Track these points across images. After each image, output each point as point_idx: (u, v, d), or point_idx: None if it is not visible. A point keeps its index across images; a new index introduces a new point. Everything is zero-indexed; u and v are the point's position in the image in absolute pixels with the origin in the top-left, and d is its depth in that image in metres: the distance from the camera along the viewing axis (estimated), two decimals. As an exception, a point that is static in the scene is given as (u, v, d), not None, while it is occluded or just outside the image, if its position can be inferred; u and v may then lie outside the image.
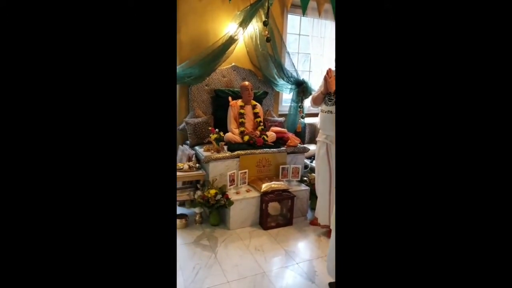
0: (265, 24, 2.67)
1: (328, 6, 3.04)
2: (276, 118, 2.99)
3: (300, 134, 3.09)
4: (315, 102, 2.12)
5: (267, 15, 2.65)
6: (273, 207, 2.28)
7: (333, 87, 1.94)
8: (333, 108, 1.98)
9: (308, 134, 3.18)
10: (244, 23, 2.58)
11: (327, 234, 2.16)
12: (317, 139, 2.20)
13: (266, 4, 2.60)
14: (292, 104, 3.14)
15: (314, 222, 2.33)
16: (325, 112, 2.05)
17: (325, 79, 1.98)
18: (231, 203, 2.14)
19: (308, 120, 3.21)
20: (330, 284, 1.67)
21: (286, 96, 3.23)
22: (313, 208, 2.43)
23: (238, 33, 2.59)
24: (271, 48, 2.80)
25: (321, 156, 2.13)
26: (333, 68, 2.03)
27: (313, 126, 3.18)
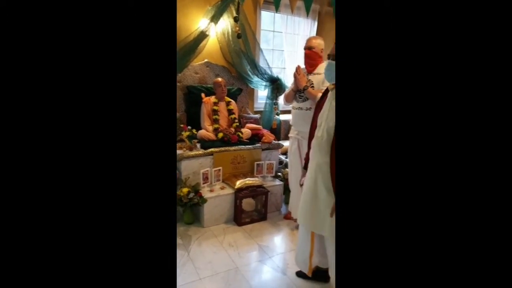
0: (235, 20, 2.66)
1: (300, 4, 3.08)
2: (252, 115, 3.00)
3: (275, 131, 3.12)
4: (287, 99, 2.15)
5: (237, 11, 2.64)
6: (248, 203, 2.30)
7: (302, 84, 1.97)
8: (303, 105, 2.02)
9: (284, 131, 3.23)
10: (215, 18, 2.56)
11: (300, 227, 2.22)
12: (289, 135, 2.24)
13: (237, 0, 2.60)
14: (267, 101, 3.16)
15: (288, 216, 2.38)
16: (296, 108, 2.08)
17: (295, 76, 2.01)
18: (204, 200, 2.13)
19: (283, 117, 3.25)
20: (297, 273, 1.72)
21: (262, 93, 3.25)
22: (287, 203, 2.47)
23: (210, 28, 2.57)
24: (243, 44, 2.80)
25: (293, 151, 2.17)
26: (302, 66, 2.07)
27: (288, 123, 3.23)
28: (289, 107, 2.22)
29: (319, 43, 2.00)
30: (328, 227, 1.34)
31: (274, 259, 1.88)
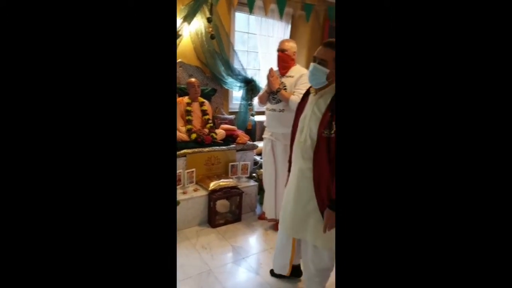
0: (209, 20, 2.65)
1: (274, 6, 3.12)
2: (226, 116, 2.99)
3: (250, 132, 3.14)
4: (261, 101, 2.18)
5: (210, 12, 2.63)
6: (222, 205, 2.29)
7: (275, 86, 2.00)
8: (276, 107, 2.05)
9: (259, 132, 3.25)
10: (188, 18, 2.53)
11: (274, 227, 2.24)
12: (263, 136, 2.26)
13: (209, 0, 2.58)
14: (242, 102, 3.17)
15: (262, 217, 2.40)
16: (270, 110, 2.11)
17: (268, 78, 2.04)
18: (177, 203, 2.10)
19: (258, 118, 3.27)
20: (271, 271, 1.74)
21: (237, 93, 3.26)
22: (261, 203, 2.49)
23: (183, 28, 2.53)
24: (217, 45, 2.79)
25: (267, 152, 2.19)
26: (275, 68, 2.10)
27: (263, 124, 3.25)
28: (263, 108, 2.24)
29: (291, 46, 2.04)
30: (309, 232, 1.32)
31: (247, 259, 1.89)
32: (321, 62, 1.20)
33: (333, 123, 1.16)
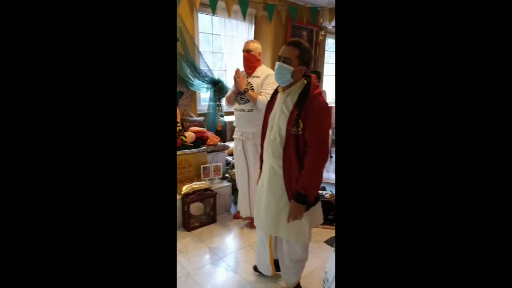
0: (173, 22, 2.60)
1: (237, 7, 3.15)
2: (195, 118, 2.97)
3: (221, 133, 3.14)
4: (229, 101, 2.20)
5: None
6: (196, 207, 2.28)
7: (242, 87, 2.03)
8: (245, 107, 2.08)
9: (229, 132, 3.26)
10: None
11: (250, 225, 2.28)
12: (233, 136, 2.29)
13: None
14: (211, 103, 3.16)
15: (237, 216, 2.42)
16: (238, 110, 2.14)
17: (235, 79, 2.06)
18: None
19: (228, 118, 3.29)
20: (254, 267, 1.77)
21: (204, 95, 3.24)
22: (236, 203, 2.52)
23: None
24: (181, 47, 2.76)
25: (238, 152, 2.22)
26: (242, 68, 2.13)
27: (233, 124, 3.27)
28: (232, 108, 2.26)
29: (256, 46, 2.09)
30: (282, 229, 1.37)
31: (225, 259, 1.91)
32: (286, 60, 1.23)
33: (300, 120, 1.20)
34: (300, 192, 1.24)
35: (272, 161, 1.32)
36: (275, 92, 1.41)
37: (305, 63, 1.25)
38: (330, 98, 4.86)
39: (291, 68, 1.23)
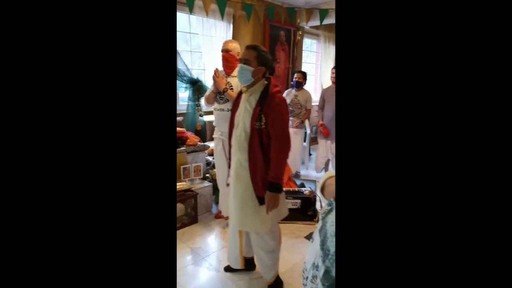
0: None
1: (214, 7, 3.14)
2: (174, 118, 2.93)
3: (201, 133, 3.12)
4: (208, 101, 2.19)
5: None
6: (177, 208, 2.26)
7: (221, 86, 2.04)
8: (224, 106, 2.09)
9: (209, 132, 3.25)
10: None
11: (231, 224, 2.30)
12: (213, 136, 2.29)
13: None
14: (189, 103, 3.13)
15: (218, 215, 2.43)
16: (218, 110, 2.14)
17: (214, 79, 2.06)
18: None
19: (208, 118, 3.27)
20: (225, 268, 1.79)
21: (183, 95, 3.20)
22: (217, 202, 2.52)
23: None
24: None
25: (218, 152, 2.22)
26: (220, 68, 2.14)
27: (213, 124, 3.26)
28: (212, 108, 2.26)
29: (235, 46, 2.10)
30: (249, 223, 1.43)
31: (207, 259, 1.91)
32: (246, 62, 1.39)
33: (262, 115, 1.34)
34: (272, 182, 1.36)
35: (239, 155, 1.42)
36: (240, 93, 1.54)
37: (263, 64, 1.40)
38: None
39: (251, 68, 1.37)
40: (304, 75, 3.32)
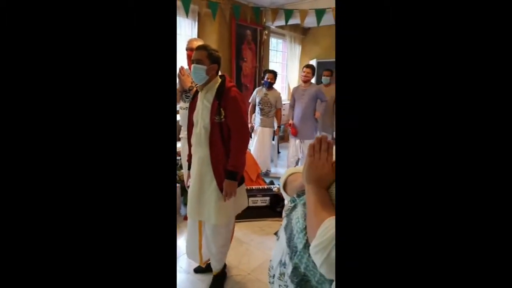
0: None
1: (178, 3, 3.06)
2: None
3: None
4: (173, 100, 2.14)
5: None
6: (143, 212, 2.18)
7: (187, 84, 2.00)
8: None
9: (177, 132, 3.17)
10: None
11: (201, 225, 2.27)
12: (180, 136, 2.24)
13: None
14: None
15: (187, 217, 2.38)
16: (184, 109, 2.10)
17: (179, 77, 2.02)
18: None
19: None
20: (195, 269, 1.78)
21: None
22: (185, 204, 2.47)
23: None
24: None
25: (185, 152, 2.18)
26: (186, 66, 2.10)
27: (178, 123, 3.19)
28: (177, 107, 2.21)
29: (196, 46, 2.07)
30: (210, 213, 1.47)
31: (177, 262, 1.87)
32: (198, 61, 1.44)
33: (221, 109, 1.40)
34: (230, 170, 1.43)
35: (200, 151, 1.47)
36: (196, 93, 1.58)
37: (215, 62, 1.46)
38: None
39: (204, 67, 1.43)
40: (275, 74, 3.36)
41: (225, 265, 1.74)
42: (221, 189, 1.45)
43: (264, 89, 3.32)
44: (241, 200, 1.61)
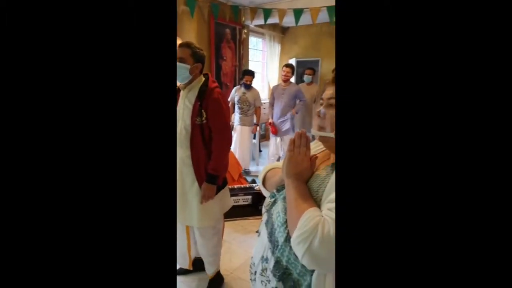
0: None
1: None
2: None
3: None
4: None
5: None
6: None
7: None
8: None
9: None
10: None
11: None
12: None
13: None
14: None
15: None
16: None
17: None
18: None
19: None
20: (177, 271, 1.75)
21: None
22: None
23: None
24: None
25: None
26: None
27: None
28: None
29: (178, 43, 2.04)
30: (194, 216, 1.44)
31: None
32: (181, 60, 1.39)
33: (202, 110, 1.36)
34: (211, 174, 1.39)
35: (181, 152, 1.43)
36: (178, 90, 1.55)
37: (199, 61, 1.42)
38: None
39: (188, 66, 1.38)
40: (252, 75, 3.35)
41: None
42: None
43: (242, 88, 3.32)
44: (227, 201, 1.57)
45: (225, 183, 1.53)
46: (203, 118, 1.36)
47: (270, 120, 3.38)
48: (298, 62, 5.18)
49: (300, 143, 0.70)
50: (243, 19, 4.30)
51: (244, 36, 4.43)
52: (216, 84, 1.46)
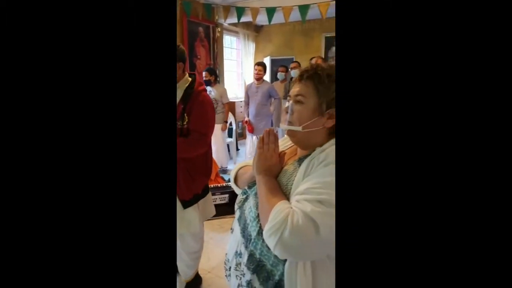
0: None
1: None
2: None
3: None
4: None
5: None
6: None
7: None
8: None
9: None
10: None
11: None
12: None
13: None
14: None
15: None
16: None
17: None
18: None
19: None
20: None
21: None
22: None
23: None
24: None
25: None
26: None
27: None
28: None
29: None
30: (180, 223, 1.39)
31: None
32: None
33: (185, 114, 1.28)
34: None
35: None
36: None
37: (180, 59, 1.34)
38: (232, 94, 5.04)
39: None
40: (211, 72, 3.31)
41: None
42: (181, 201, 1.36)
43: (208, 86, 3.30)
44: (208, 209, 1.52)
45: (206, 191, 1.47)
46: (185, 122, 1.28)
47: (246, 119, 3.39)
48: (272, 60, 5.24)
49: (268, 140, 0.71)
50: (217, 17, 4.26)
51: (218, 34, 4.40)
52: (204, 87, 1.38)
